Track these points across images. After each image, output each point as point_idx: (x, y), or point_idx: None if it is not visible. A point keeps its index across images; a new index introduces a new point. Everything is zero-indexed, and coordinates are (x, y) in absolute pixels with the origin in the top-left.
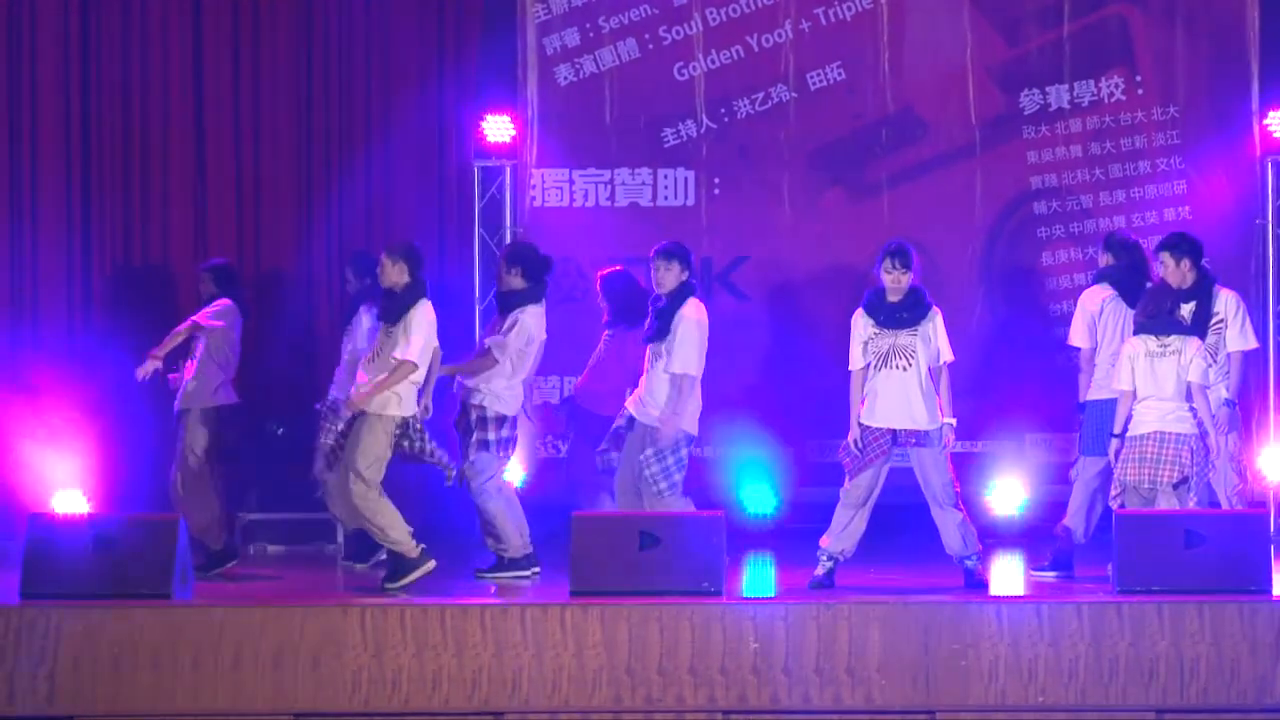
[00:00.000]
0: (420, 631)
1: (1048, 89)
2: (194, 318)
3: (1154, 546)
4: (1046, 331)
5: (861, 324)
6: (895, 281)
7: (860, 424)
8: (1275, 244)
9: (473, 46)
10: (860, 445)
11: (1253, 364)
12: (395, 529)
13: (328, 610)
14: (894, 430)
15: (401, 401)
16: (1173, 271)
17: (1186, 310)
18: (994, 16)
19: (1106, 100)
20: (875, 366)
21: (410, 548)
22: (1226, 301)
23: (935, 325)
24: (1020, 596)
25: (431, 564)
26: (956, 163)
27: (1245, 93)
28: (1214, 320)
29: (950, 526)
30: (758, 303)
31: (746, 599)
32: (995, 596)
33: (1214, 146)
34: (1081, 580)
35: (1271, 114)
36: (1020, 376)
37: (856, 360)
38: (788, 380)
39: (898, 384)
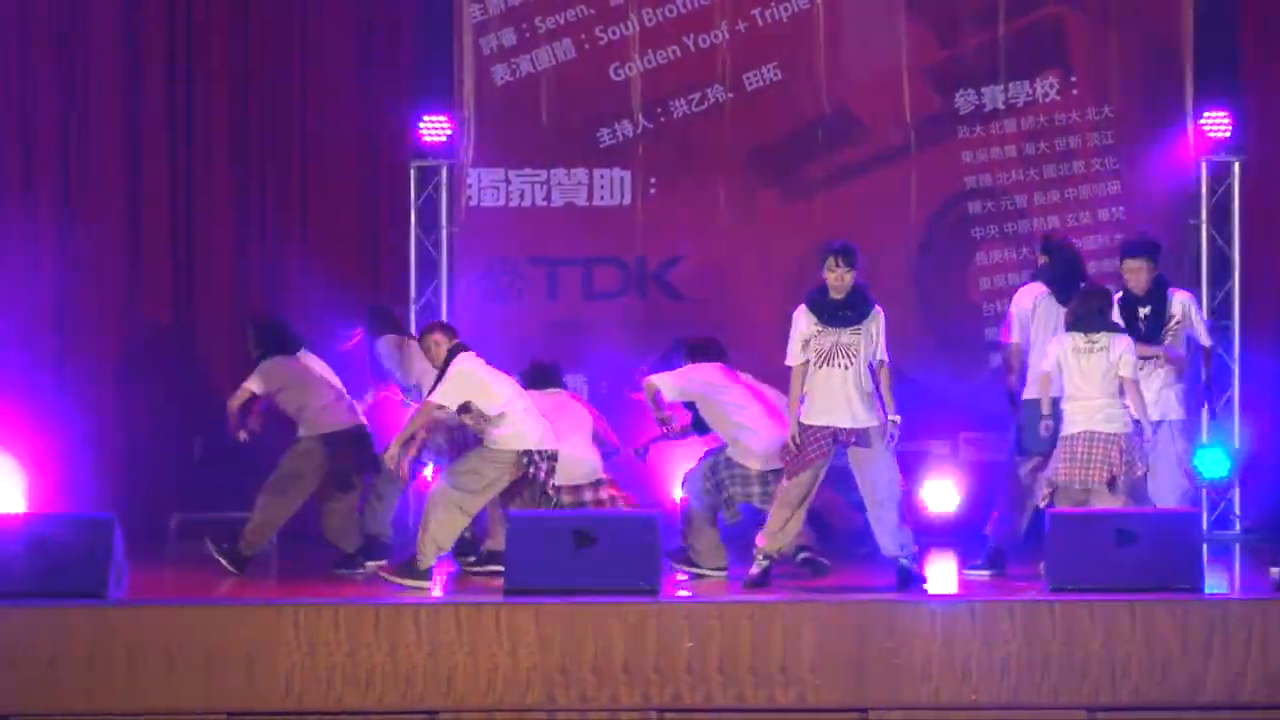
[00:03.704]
0: (353, 630)
1: (983, 89)
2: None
3: (1085, 546)
4: (980, 331)
5: (804, 321)
6: (839, 279)
7: (800, 423)
8: (1209, 245)
9: (409, 46)
10: (799, 444)
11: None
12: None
13: (261, 610)
14: (835, 429)
15: None
16: (1146, 276)
17: (1143, 313)
18: (930, 17)
19: (1041, 101)
20: (816, 364)
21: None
22: (1183, 304)
23: (878, 324)
24: (953, 596)
25: (428, 585)
26: (892, 163)
27: (1180, 93)
28: (1172, 322)
29: (889, 526)
30: (693, 302)
31: (680, 598)
32: (928, 596)
33: (1149, 147)
34: (1014, 579)
35: (1206, 114)
36: (954, 375)
37: (796, 357)
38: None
39: (838, 383)
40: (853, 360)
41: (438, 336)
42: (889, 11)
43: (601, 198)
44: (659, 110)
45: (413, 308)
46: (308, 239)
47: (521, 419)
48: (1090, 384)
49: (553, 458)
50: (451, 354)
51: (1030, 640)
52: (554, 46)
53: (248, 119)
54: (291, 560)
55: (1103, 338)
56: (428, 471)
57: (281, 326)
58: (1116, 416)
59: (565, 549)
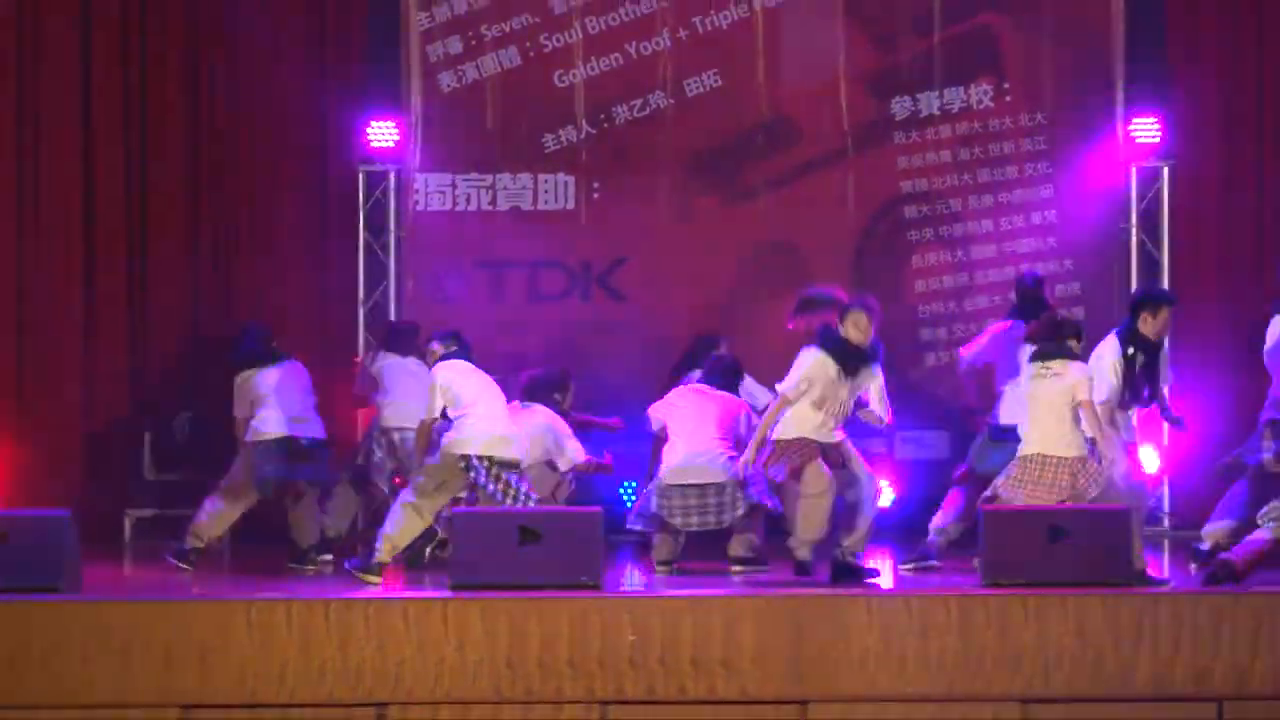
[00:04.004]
0: (305, 626)
1: (918, 96)
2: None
3: (1019, 541)
4: (916, 331)
5: (821, 366)
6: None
7: (779, 440)
8: (1139, 248)
9: (358, 54)
10: (787, 453)
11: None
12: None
13: (215, 605)
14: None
15: None
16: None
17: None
18: (867, 25)
19: (975, 107)
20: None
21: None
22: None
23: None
24: (890, 590)
25: (379, 581)
26: (829, 167)
27: (1110, 100)
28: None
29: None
30: (635, 303)
31: (623, 592)
32: (865, 589)
33: (1080, 152)
34: (949, 574)
35: (1135, 121)
36: (891, 375)
37: (796, 391)
38: (662, 379)
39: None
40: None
41: (434, 346)
42: (827, 20)
43: (546, 202)
44: (602, 116)
45: (361, 309)
46: (258, 241)
47: (472, 424)
48: (1042, 408)
49: (503, 464)
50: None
51: (966, 633)
52: (499, 54)
53: (199, 123)
54: (245, 557)
55: (1057, 364)
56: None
57: (249, 339)
58: (1070, 441)
59: (510, 545)
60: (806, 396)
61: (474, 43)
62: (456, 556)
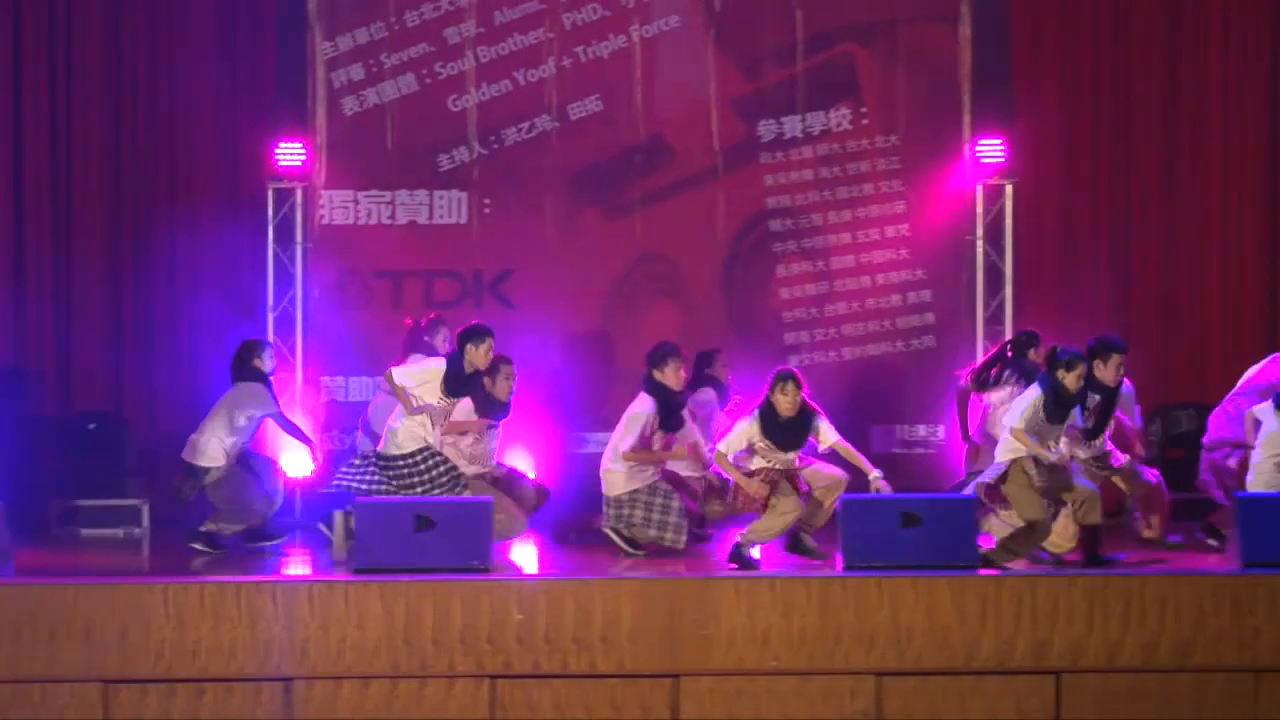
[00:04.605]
0: (217, 606)
1: (783, 119)
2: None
3: (875, 528)
4: (781, 335)
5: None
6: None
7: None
8: (985, 259)
9: (268, 80)
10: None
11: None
12: None
13: (134, 587)
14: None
15: None
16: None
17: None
18: (735, 54)
19: (835, 129)
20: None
21: None
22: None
23: (821, 428)
24: (755, 572)
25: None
26: (701, 185)
27: (958, 123)
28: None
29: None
30: (523, 310)
31: (511, 575)
32: (733, 573)
33: (930, 171)
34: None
35: (982, 142)
36: (758, 377)
37: (734, 449)
38: (549, 380)
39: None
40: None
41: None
42: (699, 50)
43: (441, 216)
44: (492, 138)
45: (270, 316)
46: (175, 253)
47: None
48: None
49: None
50: None
51: (825, 613)
52: (398, 80)
53: (120, 145)
54: (163, 543)
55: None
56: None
57: (236, 360)
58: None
59: (407, 532)
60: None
61: (375, 70)
62: (358, 543)
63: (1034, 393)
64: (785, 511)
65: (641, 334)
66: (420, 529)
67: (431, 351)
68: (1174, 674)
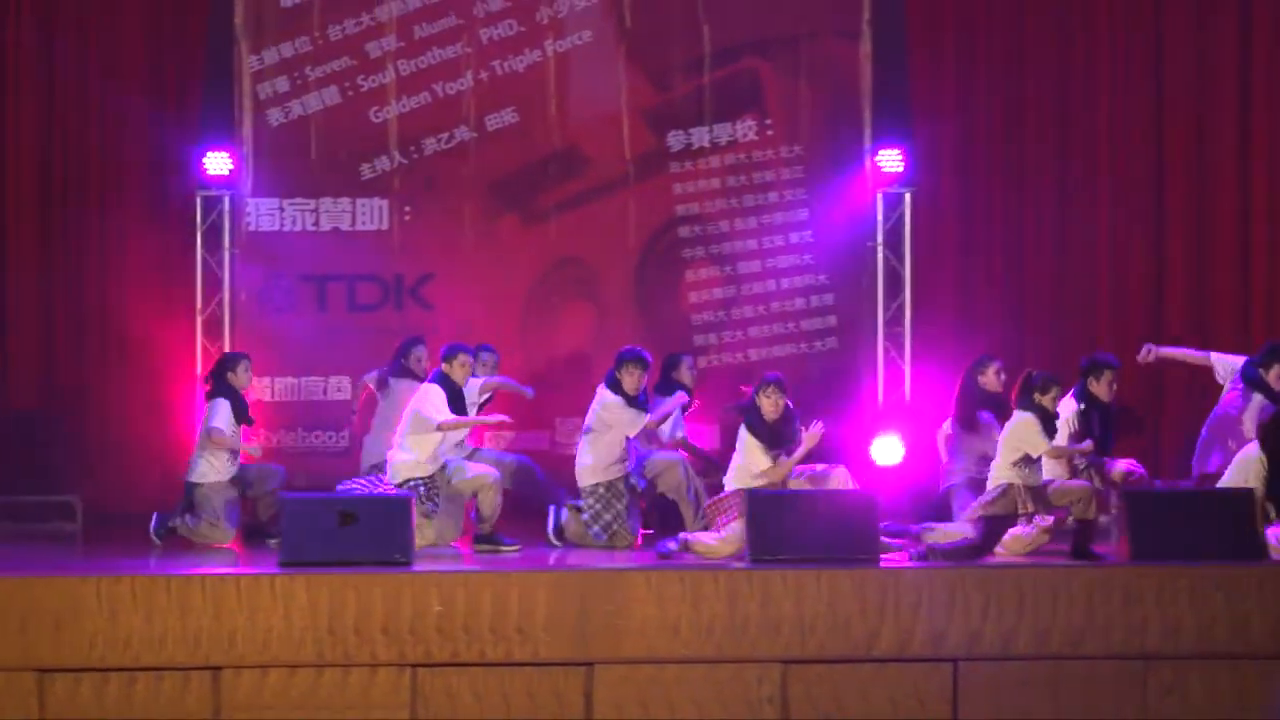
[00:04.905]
0: (148, 598)
1: (691, 130)
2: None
3: (781, 523)
4: (690, 337)
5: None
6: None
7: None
8: (885, 264)
9: (196, 92)
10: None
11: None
12: None
13: (68, 580)
14: None
15: None
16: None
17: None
18: (646, 67)
19: (740, 140)
20: None
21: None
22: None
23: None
24: (665, 566)
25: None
26: (613, 193)
27: (859, 134)
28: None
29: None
30: (442, 313)
31: (430, 568)
32: (644, 565)
33: (832, 180)
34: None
35: (881, 152)
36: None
37: (759, 463)
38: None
39: None
40: None
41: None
42: (609, 63)
43: (363, 223)
44: (413, 148)
45: (199, 318)
46: (107, 254)
47: None
48: None
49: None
50: None
51: (732, 604)
52: (322, 93)
53: (52, 149)
54: (96, 537)
55: None
56: None
57: (213, 373)
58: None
59: (332, 527)
60: None
61: (299, 82)
62: (285, 537)
63: (1026, 417)
64: (731, 543)
65: (557, 336)
66: (344, 524)
67: (408, 374)
68: (1066, 661)
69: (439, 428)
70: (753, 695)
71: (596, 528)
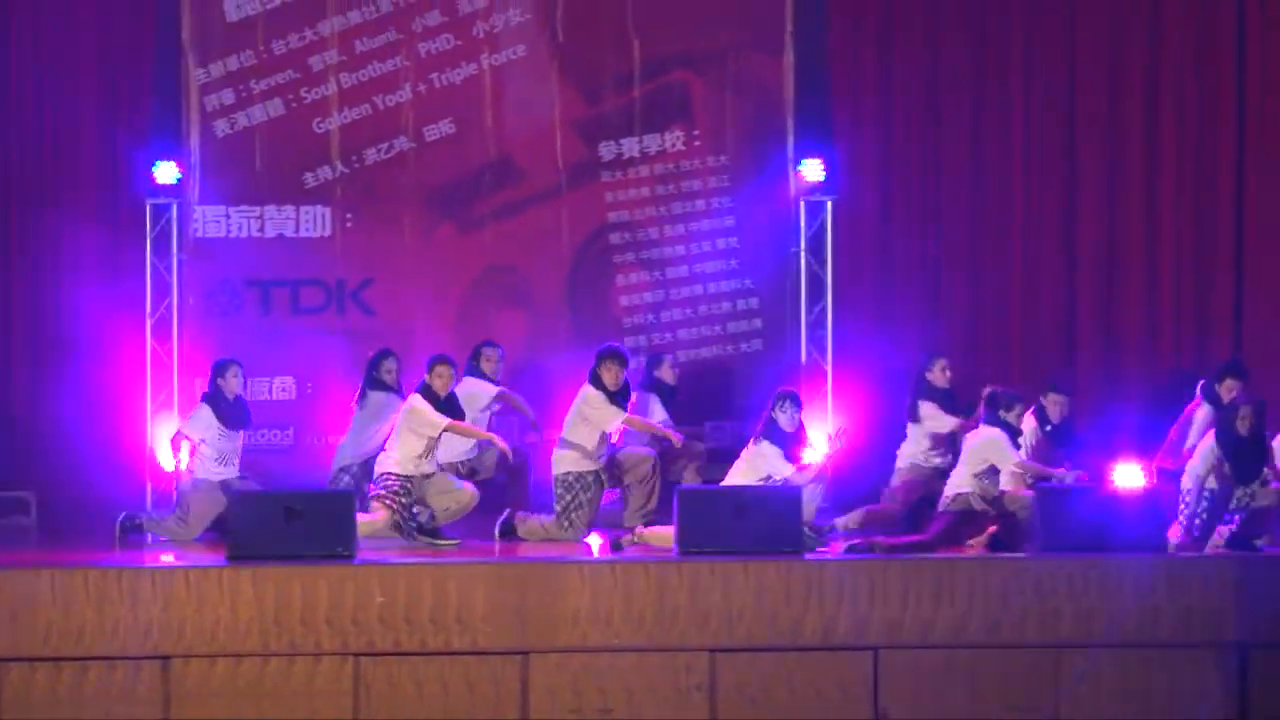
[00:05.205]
0: (100, 590)
1: (621, 140)
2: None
3: (710, 516)
4: (621, 339)
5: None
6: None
7: None
8: (807, 269)
9: (145, 103)
10: None
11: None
12: None
13: (22, 573)
14: None
15: None
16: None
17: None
18: (578, 81)
19: (669, 150)
20: None
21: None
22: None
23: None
24: (598, 559)
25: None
26: (547, 201)
27: (782, 145)
28: None
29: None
30: (383, 316)
31: (373, 561)
32: (578, 559)
33: (757, 188)
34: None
35: (804, 162)
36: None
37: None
38: (407, 382)
39: None
40: None
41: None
42: (542, 76)
43: (306, 230)
44: (354, 158)
45: (148, 322)
46: (60, 261)
47: None
48: None
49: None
50: None
51: (662, 594)
52: (266, 105)
53: (8, 158)
54: (49, 532)
55: None
56: None
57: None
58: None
59: (279, 522)
60: None
61: (245, 95)
62: (232, 532)
63: (994, 432)
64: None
65: (492, 338)
66: (290, 519)
67: (381, 385)
68: (982, 650)
69: (446, 429)
70: (682, 682)
71: (563, 519)
